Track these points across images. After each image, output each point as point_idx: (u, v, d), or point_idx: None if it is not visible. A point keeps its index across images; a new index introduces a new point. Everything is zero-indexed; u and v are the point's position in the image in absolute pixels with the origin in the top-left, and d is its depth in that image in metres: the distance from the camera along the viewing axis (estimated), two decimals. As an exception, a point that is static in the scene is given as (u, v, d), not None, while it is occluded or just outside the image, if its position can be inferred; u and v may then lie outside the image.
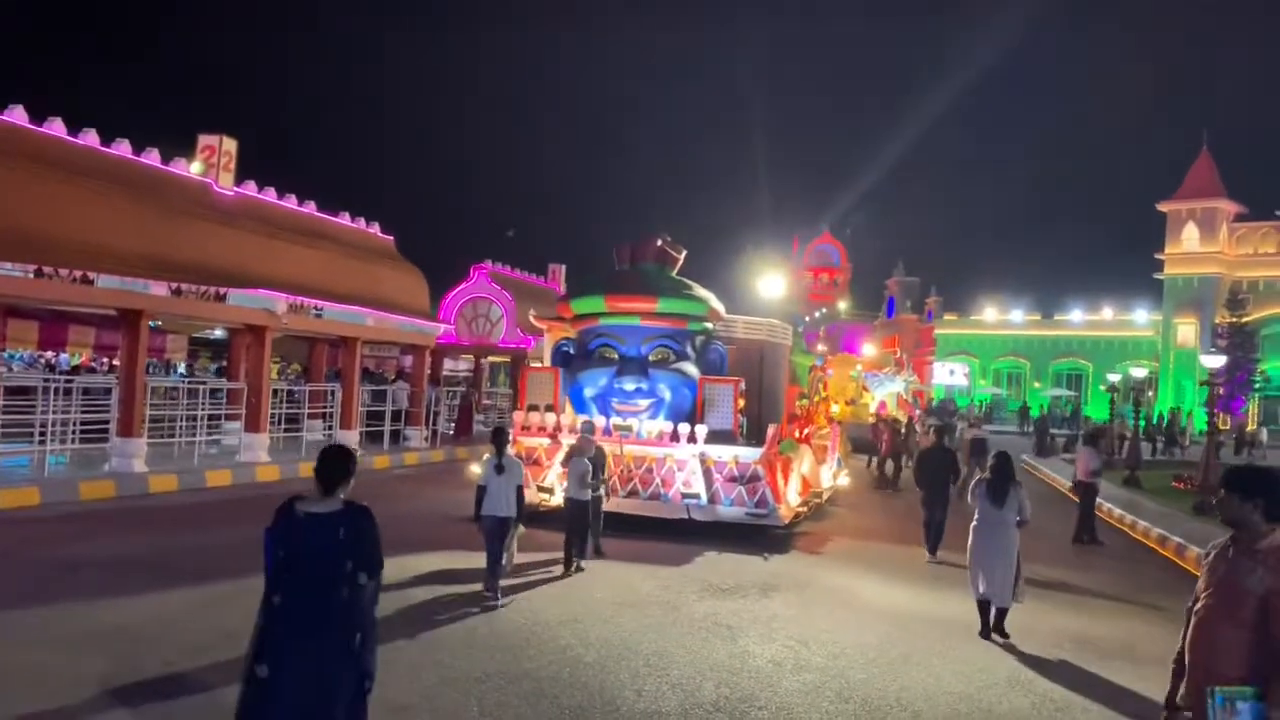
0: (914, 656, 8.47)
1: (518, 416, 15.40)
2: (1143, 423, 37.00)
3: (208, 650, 7.38)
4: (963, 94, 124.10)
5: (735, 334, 16.15)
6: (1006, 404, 66.67)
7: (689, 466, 14.22)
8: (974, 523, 9.50)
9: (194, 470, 16.27)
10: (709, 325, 15.79)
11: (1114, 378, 51.86)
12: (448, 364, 32.83)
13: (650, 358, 15.12)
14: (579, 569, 11.25)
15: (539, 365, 17.04)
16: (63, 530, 11.97)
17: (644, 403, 15.03)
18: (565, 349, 16.07)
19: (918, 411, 43.46)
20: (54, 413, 15.84)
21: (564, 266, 35.70)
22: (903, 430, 23.59)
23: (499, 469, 9.86)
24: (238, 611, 8.36)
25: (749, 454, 14.31)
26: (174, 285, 16.43)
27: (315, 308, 19.71)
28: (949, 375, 70.13)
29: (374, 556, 4.28)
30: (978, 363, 74.98)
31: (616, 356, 15.23)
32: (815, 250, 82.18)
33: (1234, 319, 60.72)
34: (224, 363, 35.62)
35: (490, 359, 35.08)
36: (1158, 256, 65.15)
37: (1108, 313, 70.42)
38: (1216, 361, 25.05)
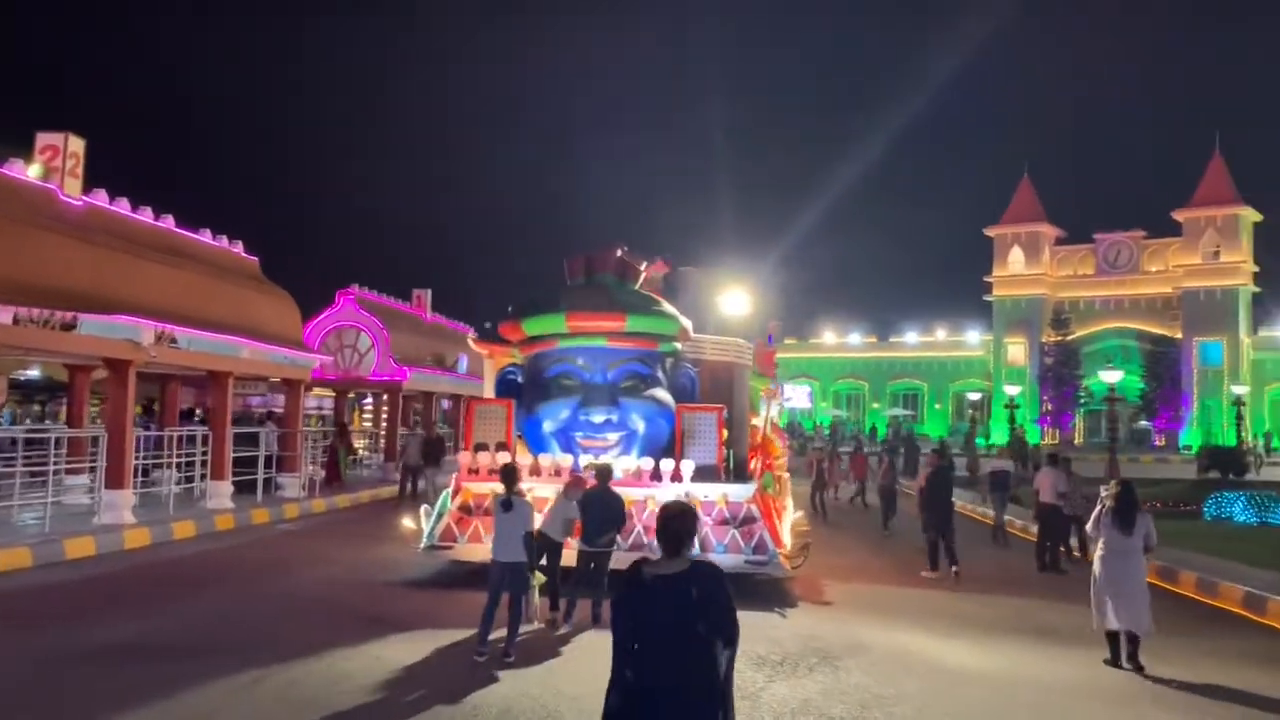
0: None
1: (464, 458, 13.08)
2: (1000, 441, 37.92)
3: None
4: (788, 117, 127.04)
5: (704, 355, 14.30)
6: (847, 425, 67.45)
7: (673, 509, 12.29)
8: (1100, 552, 9.20)
9: (48, 540, 13.05)
10: (678, 346, 13.93)
11: (974, 397, 52.98)
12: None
13: (619, 384, 13.11)
14: (554, 624, 10.01)
15: (485, 397, 14.67)
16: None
17: (614, 436, 13.01)
18: (512, 377, 13.79)
19: (788, 437, 42.89)
20: None
21: (429, 291, 32.99)
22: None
23: (505, 505, 9.01)
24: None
25: (739, 492, 12.56)
26: (15, 311, 13.29)
27: (172, 337, 16.68)
28: (790, 399, 70.55)
29: (729, 621, 3.92)
30: (819, 385, 76.07)
31: (578, 384, 13.14)
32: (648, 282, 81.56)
33: (1059, 337, 63.94)
34: (39, 404, 31.27)
35: (351, 394, 31.97)
36: (986, 279, 67.84)
37: (941, 334, 72.81)
38: (1114, 376, 25.09)
